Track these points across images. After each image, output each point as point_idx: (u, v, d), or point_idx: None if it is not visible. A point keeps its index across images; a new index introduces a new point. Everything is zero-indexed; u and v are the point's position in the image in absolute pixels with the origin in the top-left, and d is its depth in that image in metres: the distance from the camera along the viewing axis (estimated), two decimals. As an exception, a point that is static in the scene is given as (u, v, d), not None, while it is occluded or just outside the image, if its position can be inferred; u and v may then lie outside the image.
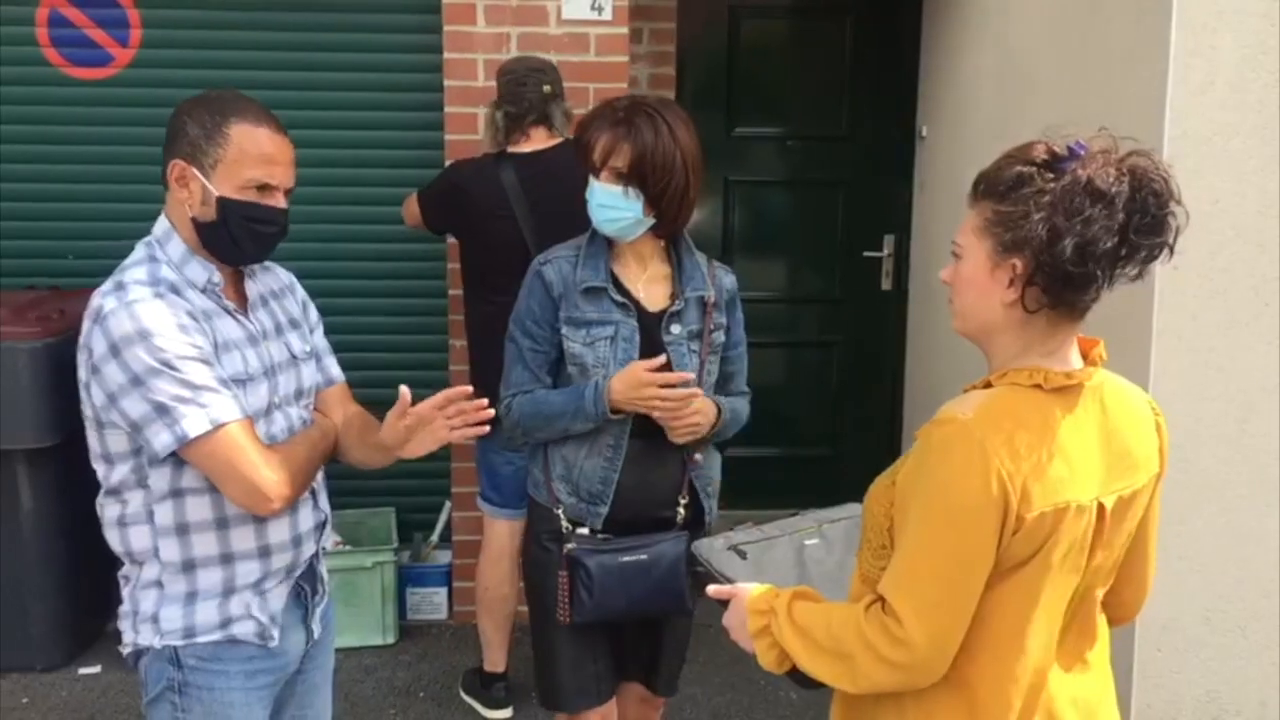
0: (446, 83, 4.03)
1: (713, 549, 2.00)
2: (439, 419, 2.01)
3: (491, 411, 2.03)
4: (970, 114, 4.20)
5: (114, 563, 3.82)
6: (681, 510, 2.54)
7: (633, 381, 2.40)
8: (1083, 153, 1.59)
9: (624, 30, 4.03)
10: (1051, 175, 1.58)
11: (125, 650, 2.09)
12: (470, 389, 2.03)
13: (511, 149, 3.51)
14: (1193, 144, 2.69)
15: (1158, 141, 2.69)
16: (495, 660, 3.76)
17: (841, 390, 5.30)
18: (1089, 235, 1.54)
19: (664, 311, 2.50)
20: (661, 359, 2.44)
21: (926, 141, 4.85)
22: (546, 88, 3.50)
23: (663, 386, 2.39)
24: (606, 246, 2.51)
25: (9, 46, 4.21)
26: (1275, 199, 2.69)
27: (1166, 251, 1.61)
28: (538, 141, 3.51)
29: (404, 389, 2.01)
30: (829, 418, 5.29)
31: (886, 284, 5.19)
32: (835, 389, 5.31)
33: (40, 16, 4.20)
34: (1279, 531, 2.81)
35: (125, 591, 2.08)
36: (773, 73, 5.12)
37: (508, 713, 3.74)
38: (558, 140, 3.52)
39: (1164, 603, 2.84)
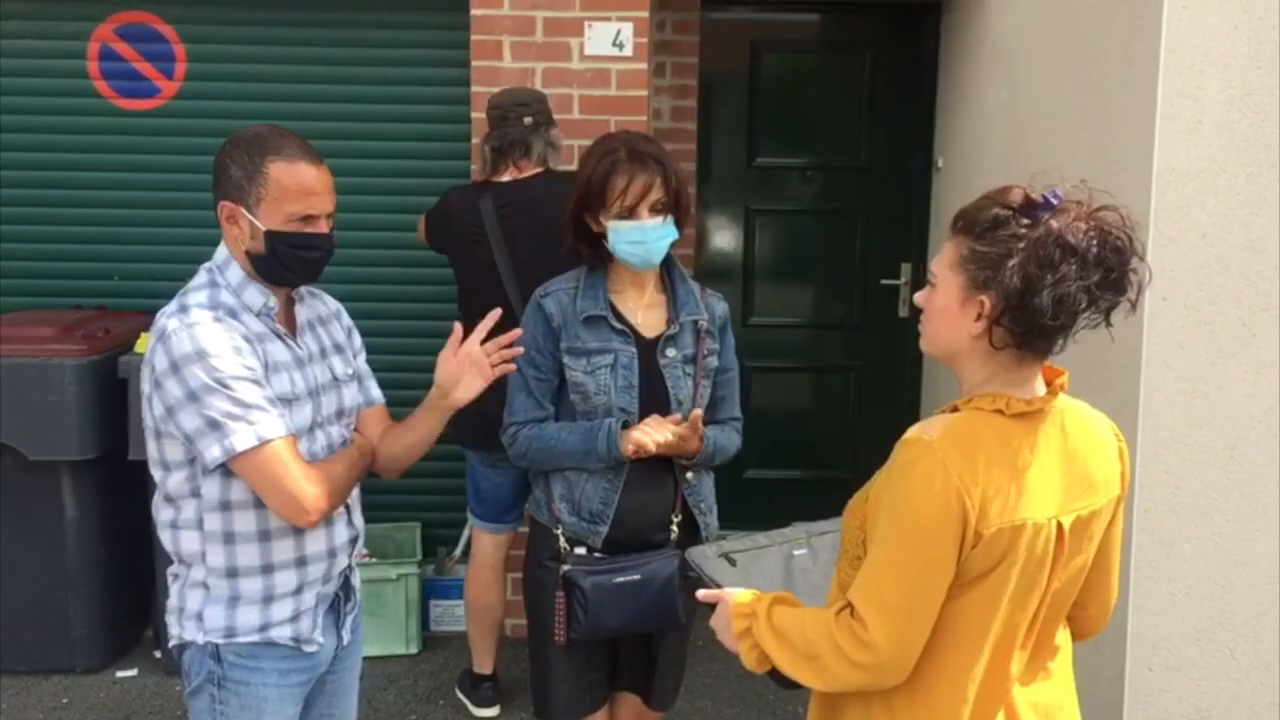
0: (474, 115, 4.19)
1: (705, 556, 2.12)
2: (482, 358, 2.26)
3: (521, 350, 2.34)
4: (983, 147, 4.31)
5: (152, 572, 4.01)
6: (675, 530, 2.65)
7: (650, 426, 2.56)
8: (1057, 203, 1.68)
9: (644, 66, 4.18)
10: (1027, 221, 1.67)
11: (171, 641, 2.24)
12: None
13: (495, 179, 3.67)
14: (1181, 180, 2.79)
15: (1147, 177, 2.79)
16: (482, 663, 3.93)
17: (860, 414, 5.40)
18: (1064, 292, 1.64)
19: (660, 336, 2.62)
20: (676, 417, 2.59)
21: (942, 173, 4.97)
22: (528, 120, 3.64)
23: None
24: (604, 277, 2.63)
25: (62, 79, 4.44)
26: (1260, 233, 2.78)
27: (1128, 305, 1.70)
28: (521, 172, 3.66)
29: (456, 324, 2.28)
30: (848, 441, 5.38)
31: (903, 311, 5.29)
32: (854, 413, 5.41)
33: (91, 51, 4.43)
34: (1267, 556, 2.88)
35: (174, 588, 2.24)
36: (793, 105, 5.25)
37: (494, 711, 3.92)
38: (537, 170, 3.66)
39: (1154, 623, 2.92)
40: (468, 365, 2.26)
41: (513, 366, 2.32)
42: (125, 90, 4.48)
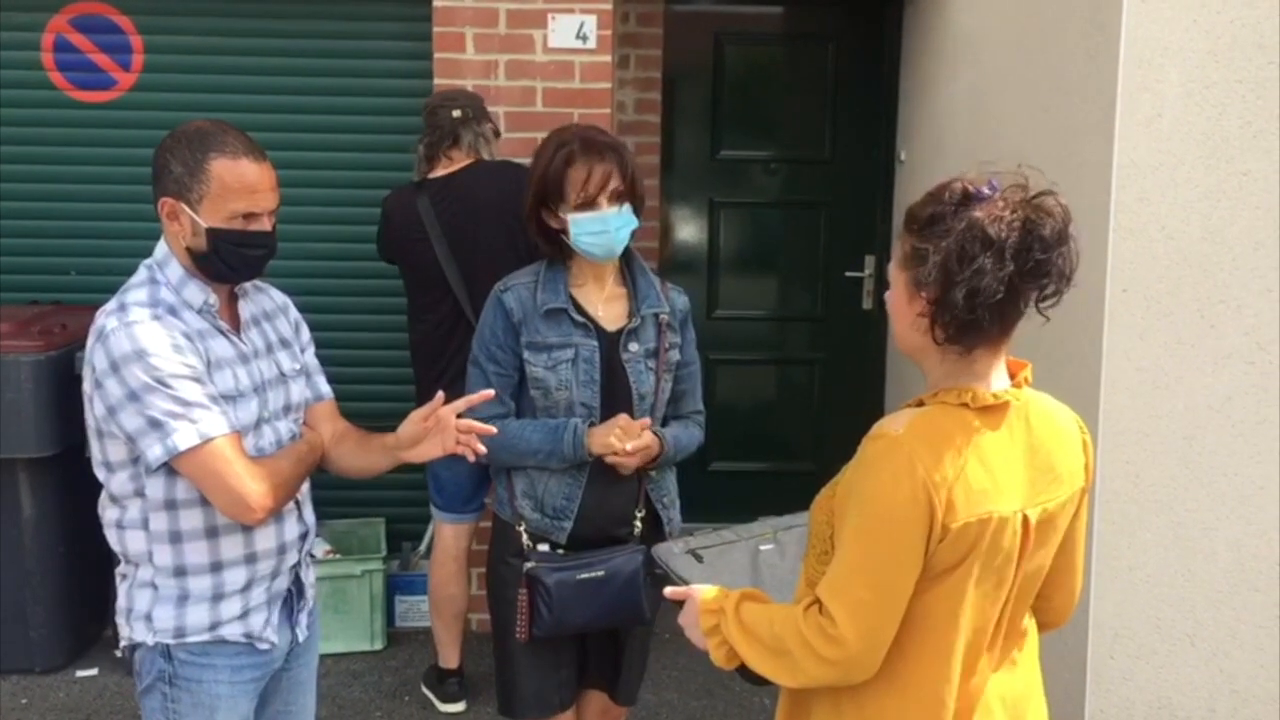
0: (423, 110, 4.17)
1: (671, 553, 2.11)
2: (451, 428, 2.17)
3: (493, 430, 2.21)
4: (946, 139, 4.33)
5: (110, 570, 3.96)
6: (638, 525, 2.65)
7: (607, 430, 2.54)
8: (989, 193, 1.67)
9: (608, 59, 4.17)
10: (961, 216, 1.66)
11: (122, 642, 2.22)
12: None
13: (430, 176, 3.68)
14: (1140, 173, 2.81)
15: (1107, 170, 2.82)
16: (448, 657, 3.92)
17: (825, 406, 5.42)
18: (978, 285, 1.62)
19: (621, 330, 2.61)
20: (646, 420, 2.58)
21: (905, 165, 4.99)
22: (456, 113, 3.66)
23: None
24: (564, 271, 2.61)
25: (16, 70, 4.37)
26: (1218, 226, 2.81)
27: (1056, 293, 1.69)
28: (455, 164, 3.68)
29: (440, 393, 2.19)
30: (812, 433, 5.41)
31: (868, 303, 5.32)
32: (819, 405, 5.44)
33: (46, 42, 4.36)
34: (1226, 545, 2.91)
35: (122, 589, 2.21)
36: (757, 98, 5.26)
37: (460, 707, 3.90)
38: (469, 161, 3.68)
39: (1116, 612, 2.96)
40: (435, 429, 2.19)
41: (480, 449, 2.20)
42: (81, 82, 4.41)
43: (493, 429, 2.22)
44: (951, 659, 1.74)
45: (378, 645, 4.29)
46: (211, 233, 2.08)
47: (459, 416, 2.20)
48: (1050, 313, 1.73)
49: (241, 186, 2.08)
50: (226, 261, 2.11)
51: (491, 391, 2.34)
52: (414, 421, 2.21)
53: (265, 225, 2.14)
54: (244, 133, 2.14)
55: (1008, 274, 1.63)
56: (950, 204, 1.68)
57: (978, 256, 1.62)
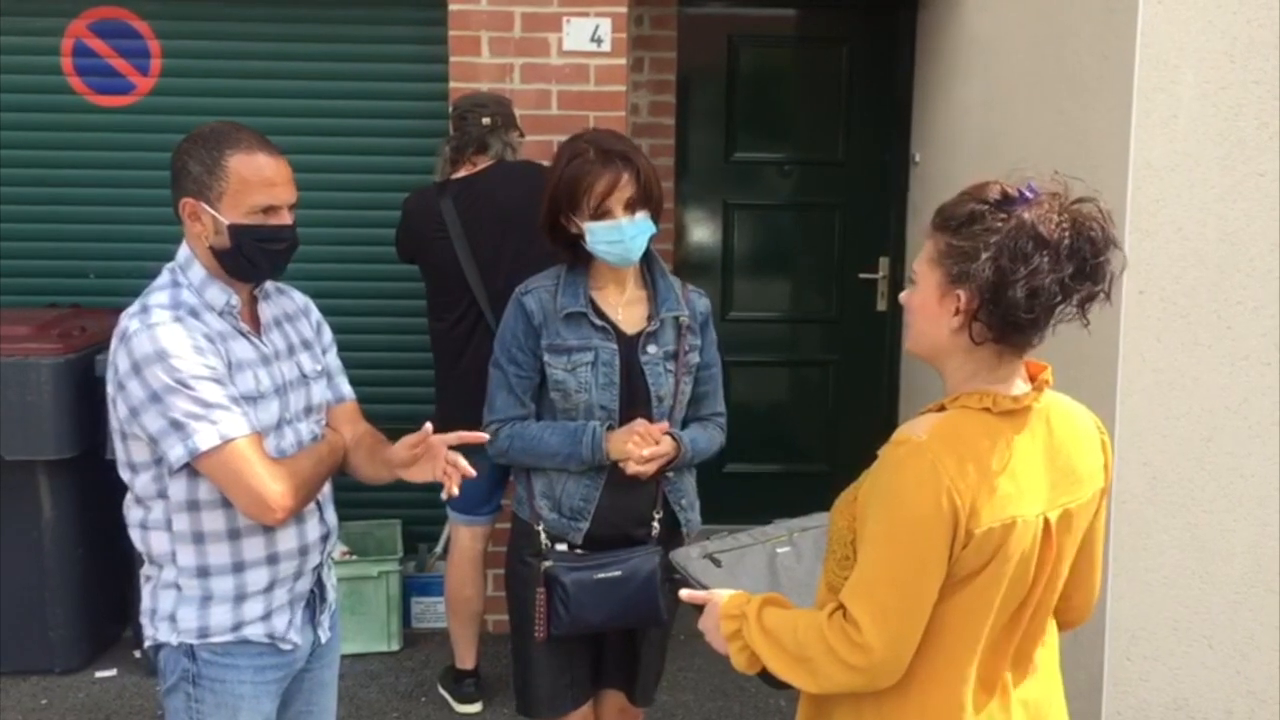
0: (451, 111, 4.19)
1: (689, 557, 2.12)
2: (443, 456, 2.18)
3: (474, 472, 2.21)
4: (959, 141, 4.33)
5: (130, 571, 3.99)
6: (656, 526, 2.66)
7: (625, 434, 2.55)
8: (1032, 196, 1.69)
9: (622, 61, 4.18)
10: (1003, 215, 1.68)
11: (146, 643, 2.24)
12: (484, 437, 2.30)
13: (452, 177, 3.71)
14: (1156, 174, 2.81)
15: (1123, 171, 2.82)
16: (464, 658, 3.94)
17: (839, 408, 5.42)
18: (1038, 284, 1.64)
19: (641, 333, 2.62)
20: (664, 425, 2.59)
21: (919, 167, 4.99)
22: (486, 120, 3.68)
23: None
24: (584, 274, 2.63)
25: (36, 75, 4.40)
26: (1235, 227, 2.81)
27: (1103, 296, 1.71)
28: (475, 168, 3.70)
29: (428, 424, 2.19)
30: (826, 434, 5.41)
31: (882, 305, 5.31)
32: (832, 407, 5.43)
33: (65, 47, 4.40)
34: (1244, 546, 2.91)
35: (146, 590, 2.24)
36: (771, 100, 5.26)
37: (477, 707, 3.91)
38: (491, 164, 3.70)
39: (1133, 613, 2.95)
40: (426, 455, 2.21)
41: (454, 491, 2.20)
42: (100, 87, 4.44)
43: (473, 471, 2.21)
44: (974, 663, 1.74)
45: (394, 646, 4.31)
46: (233, 229, 2.10)
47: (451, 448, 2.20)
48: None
49: (259, 180, 2.11)
50: (249, 258, 2.13)
51: (485, 435, 2.38)
52: (405, 446, 2.22)
53: (285, 219, 2.16)
54: (259, 132, 2.17)
55: (1065, 275, 1.65)
56: (990, 204, 1.69)
57: (1032, 256, 1.64)
